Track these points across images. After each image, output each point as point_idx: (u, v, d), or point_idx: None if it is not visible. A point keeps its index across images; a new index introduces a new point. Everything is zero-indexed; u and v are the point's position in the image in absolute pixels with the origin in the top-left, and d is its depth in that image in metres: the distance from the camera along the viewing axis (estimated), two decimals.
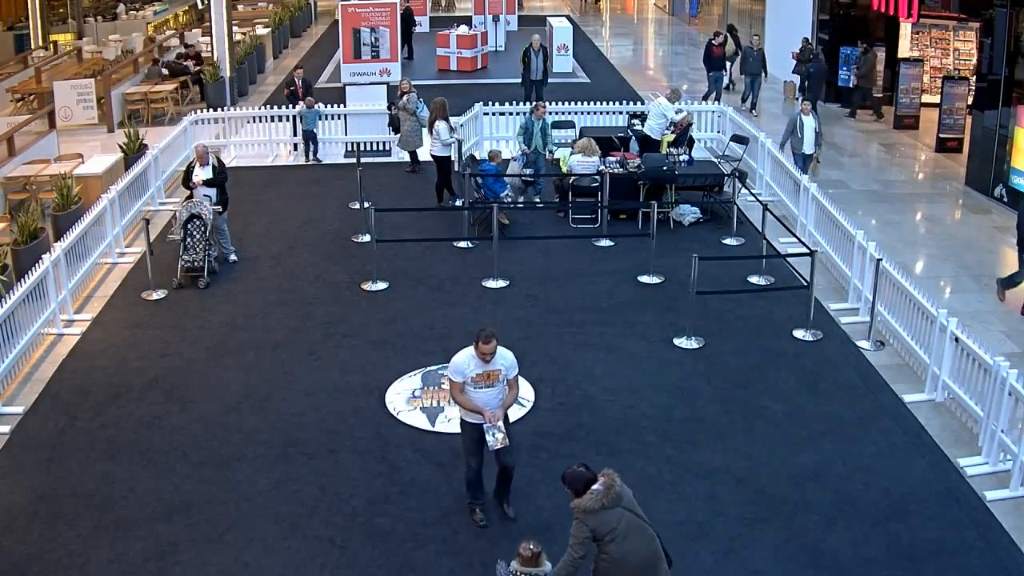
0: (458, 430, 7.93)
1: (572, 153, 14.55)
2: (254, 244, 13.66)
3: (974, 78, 18.01)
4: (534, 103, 16.90)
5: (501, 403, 7.56)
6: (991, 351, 9.00)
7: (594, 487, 6.10)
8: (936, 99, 18.68)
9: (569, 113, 18.09)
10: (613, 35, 33.22)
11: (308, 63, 25.61)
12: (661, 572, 6.14)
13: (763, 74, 20.94)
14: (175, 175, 16.03)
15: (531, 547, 6.48)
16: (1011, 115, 14.92)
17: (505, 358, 7.53)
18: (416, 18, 29.72)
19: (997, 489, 8.26)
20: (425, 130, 16.02)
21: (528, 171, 15.10)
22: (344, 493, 8.24)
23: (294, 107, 17.79)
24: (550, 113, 17.92)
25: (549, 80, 20.90)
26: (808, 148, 15.26)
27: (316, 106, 17.52)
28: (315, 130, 17.58)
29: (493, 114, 18.13)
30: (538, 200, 14.98)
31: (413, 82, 17.25)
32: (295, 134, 17.93)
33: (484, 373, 7.43)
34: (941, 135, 18.10)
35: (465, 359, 7.47)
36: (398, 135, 16.71)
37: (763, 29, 26.20)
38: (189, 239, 12.21)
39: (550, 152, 15.61)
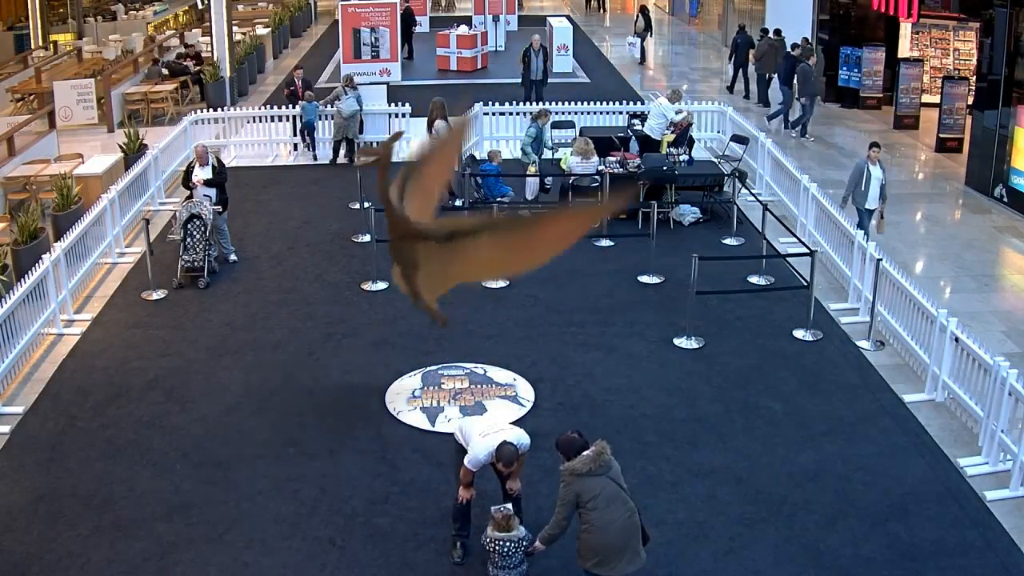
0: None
1: (571, 154, 14.56)
2: (254, 244, 13.66)
3: (974, 78, 18.01)
4: (539, 108, 16.76)
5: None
6: (991, 351, 9.00)
7: (584, 452, 6.45)
8: (936, 99, 18.67)
9: (569, 113, 18.08)
10: (613, 35, 33.20)
11: (308, 63, 25.61)
12: (638, 544, 6.47)
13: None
14: (175, 175, 16.02)
15: (502, 509, 6.79)
16: (1011, 115, 14.92)
17: (521, 442, 7.25)
18: (416, 18, 29.72)
19: (997, 489, 8.26)
20: (353, 120, 16.89)
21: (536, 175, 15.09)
22: (344, 493, 8.24)
23: (294, 107, 17.80)
24: (549, 113, 17.96)
25: (549, 80, 20.90)
26: (873, 203, 12.77)
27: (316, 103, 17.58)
28: (315, 123, 17.58)
29: (493, 114, 18.13)
30: (532, 201, 14.96)
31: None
32: (295, 134, 17.93)
33: None
34: (941, 135, 18.10)
35: (487, 454, 7.16)
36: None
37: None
38: (189, 239, 12.21)
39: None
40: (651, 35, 28.75)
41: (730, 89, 23.07)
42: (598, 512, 6.32)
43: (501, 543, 6.79)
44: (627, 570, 6.42)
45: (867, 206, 12.79)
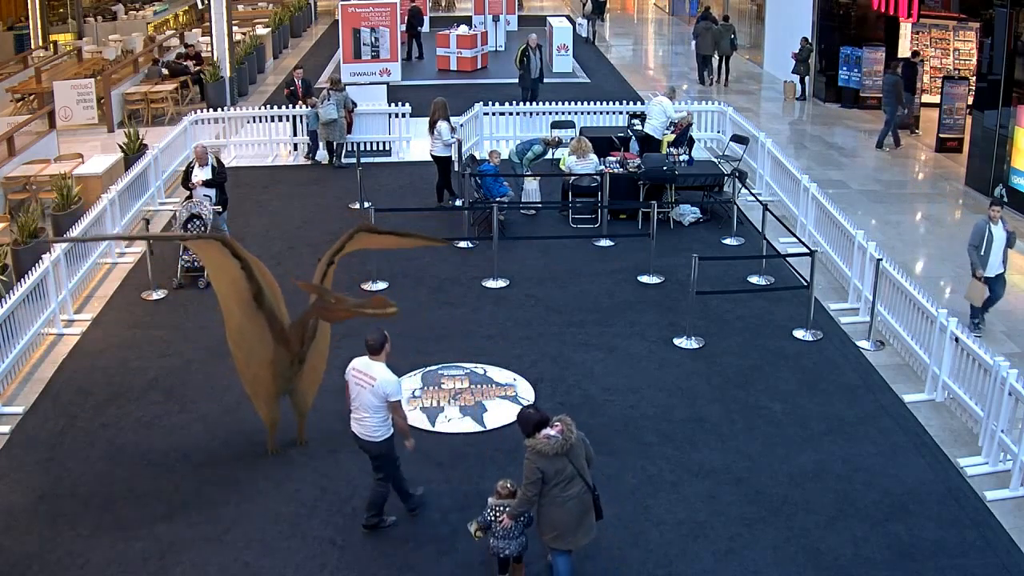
0: (459, 430, 7.90)
1: (568, 154, 14.53)
2: (254, 244, 13.61)
3: (974, 78, 18.01)
4: (554, 136, 16.06)
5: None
6: (991, 351, 9.00)
7: (551, 433, 6.54)
8: (936, 99, 18.68)
9: (569, 113, 18.08)
10: (613, 35, 33.20)
11: (308, 63, 25.62)
12: (591, 519, 6.77)
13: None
14: (175, 175, 16.02)
15: (508, 485, 6.95)
16: (1011, 115, 14.91)
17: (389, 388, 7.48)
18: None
19: (997, 489, 8.26)
20: (333, 126, 16.76)
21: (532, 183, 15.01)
22: (344, 493, 8.25)
23: (294, 107, 17.79)
24: (549, 113, 17.97)
25: (546, 79, 20.87)
26: (993, 270, 10.78)
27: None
28: (317, 130, 17.57)
29: (493, 114, 18.13)
30: (531, 202, 14.94)
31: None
32: (295, 134, 17.92)
33: None
34: (941, 135, 18.09)
35: (395, 381, 7.47)
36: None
37: (763, 29, 26.21)
38: None
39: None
40: (600, 19, 31.56)
41: (702, 80, 24.35)
42: (560, 487, 6.54)
43: (504, 508, 6.86)
44: (581, 542, 6.78)
45: (987, 274, 10.80)
